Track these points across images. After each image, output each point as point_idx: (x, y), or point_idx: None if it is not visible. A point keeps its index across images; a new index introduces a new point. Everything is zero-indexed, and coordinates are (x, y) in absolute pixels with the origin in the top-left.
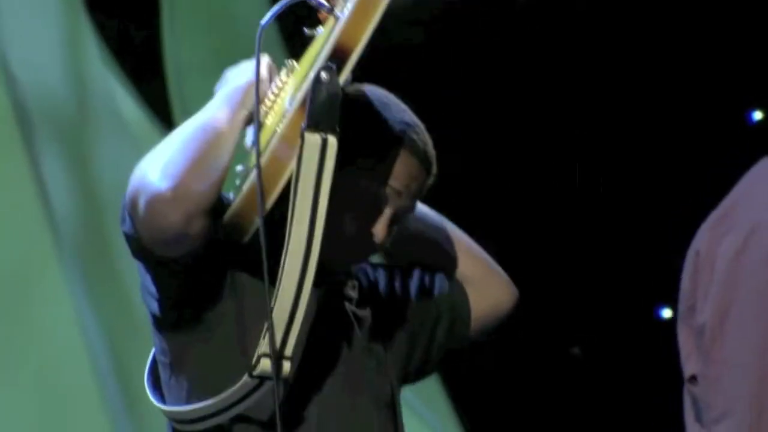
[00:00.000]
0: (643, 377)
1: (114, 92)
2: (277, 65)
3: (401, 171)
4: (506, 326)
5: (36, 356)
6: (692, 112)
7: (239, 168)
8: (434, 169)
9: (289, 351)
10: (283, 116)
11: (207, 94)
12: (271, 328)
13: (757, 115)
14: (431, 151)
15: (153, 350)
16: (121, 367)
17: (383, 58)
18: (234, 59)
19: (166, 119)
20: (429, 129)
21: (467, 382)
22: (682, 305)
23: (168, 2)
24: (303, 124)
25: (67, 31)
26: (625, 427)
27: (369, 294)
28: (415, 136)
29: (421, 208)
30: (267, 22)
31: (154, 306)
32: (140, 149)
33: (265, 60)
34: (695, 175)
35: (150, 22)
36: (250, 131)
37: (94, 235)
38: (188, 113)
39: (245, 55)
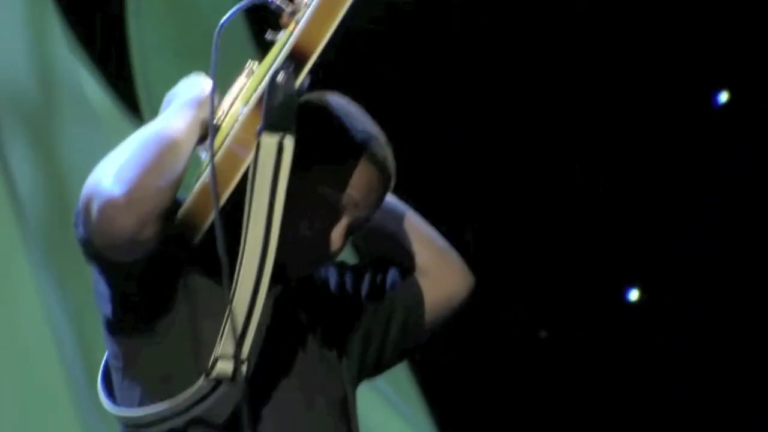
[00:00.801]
0: (610, 359)
1: (80, 77)
2: (238, 69)
3: (361, 181)
4: (473, 310)
5: (4, 351)
6: (658, 94)
7: None
8: (393, 182)
9: (245, 353)
10: (238, 118)
11: (171, 77)
12: (232, 329)
13: (723, 97)
14: (391, 164)
15: (105, 354)
16: (89, 361)
17: (372, 55)
18: (198, 41)
19: (132, 103)
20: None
21: (436, 368)
22: None
23: None
24: (259, 126)
25: (31, 15)
26: (596, 409)
27: (321, 295)
28: (376, 148)
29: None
30: (225, 21)
31: (107, 308)
32: (107, 134)
33: (210, 84)
34: (662, 156)
35: (115, 3)
36: (202, 150)
37: (61, 224)
38: (153, 96)
39: (208, 37)
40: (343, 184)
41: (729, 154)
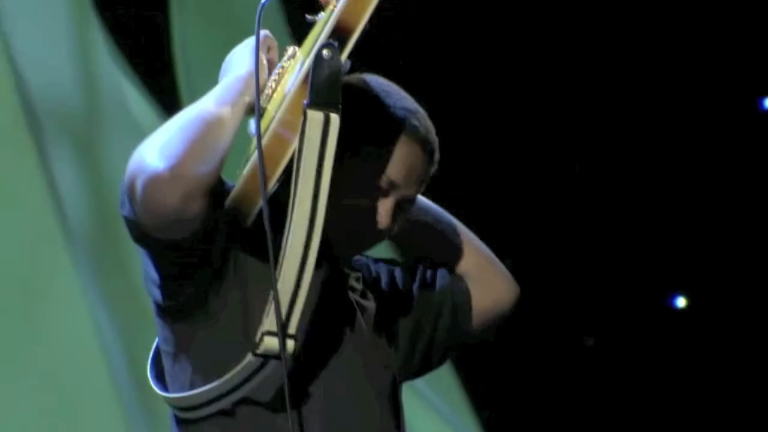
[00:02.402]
0: (657, 367)
1: (124, 90)
2: (281, 52)
3: (404, 158)
4: (520, 318)
5: (51, 357)
6: (702, 102)
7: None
8: (437, 156)
9: (293, 329)
10: (284, 97)
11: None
12: (277, 305)
13: None
14: (434, 138)
15: (155, 341)
16: (135, 364)
17: (379, 55)
18: None
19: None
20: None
21: (481, 374)
22: None
23: None
24: (305, 101)
25: (75, 30)
26: (642, 416)
27: (372, 288)
28: (417, 123)
29: (426, 201)
30: (267, 0)
31: (157, 293)
32: None
33: (265, 35)
34: (706, 162)
35: (159, 17)
36: (251, 121)
37: (105, 235)
38: None
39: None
40: (386, 162)
41: None
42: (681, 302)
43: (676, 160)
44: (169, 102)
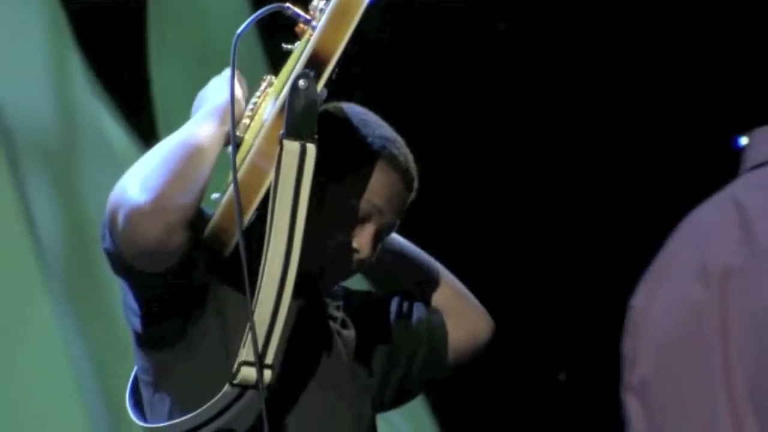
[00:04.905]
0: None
1: (101, 119)
2: (258, 81)
3: (383, 186)
4: (492, 353)
5: (26, 394)
6: (676, 143)
7: (215, 196)
8: (416, 184)
9: (269, 359)
10: (261, 128)
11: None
12: (254, 335)
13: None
14: (413, 166)
15: (134, 370)
16: (111, 393)
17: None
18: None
19: (153, 144)
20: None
21: (454, 408)
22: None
23: (155, 28)
24: (281, 132)
25: (53, 59)
26: None
27: (351, 317)
28: (396, 151)
29: (399, 237)
30: (243, 30)
31: (136, 323)
32: None
33: (238, 78)
34: (676, 201)
35: (136, 44)
36: (230, 150)
37: (81, 264)
38: None
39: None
40: (365, 192)
41: None
42: None
43: (644, 198)
44: (146, 131)
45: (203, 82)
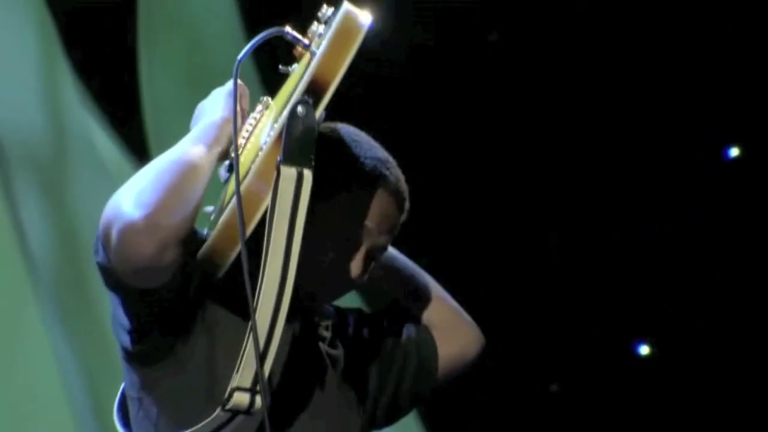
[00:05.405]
0: (621, 414)
1: (91, 131)
2: (253, 102)
3: (375, 208)
4: (484, 364)
5: (17, 407)
6: (667, 153)
7: (208, 209)
8: (407, 205)
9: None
10: (258, 152)
11: (183, 129)
12: (258, 359)
13: (734, 152)
14: (404, 187)
15: (122, 385)
16: (100, 406)
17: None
18: (210, 92)
19: (143, 156)
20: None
21: (447, 421)
22: None
23: (145, 39)
24: (279, 158)
25: (44, 71)
26: None
27: (340, 336)
28: (387, 173)
29: (393, 251)
30: (244, 56)
31: (126, 338)
32: (118, 187)
33: (242, 90)
34: (672, 212)
35: (127, 56)
36: (222, 169)
37: (71, 275)
38: (164, 149)
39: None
40: (357, 213)
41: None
42: (644, 350)
43: (638, 208)
44: (136, 144)
45: (193, 91)
